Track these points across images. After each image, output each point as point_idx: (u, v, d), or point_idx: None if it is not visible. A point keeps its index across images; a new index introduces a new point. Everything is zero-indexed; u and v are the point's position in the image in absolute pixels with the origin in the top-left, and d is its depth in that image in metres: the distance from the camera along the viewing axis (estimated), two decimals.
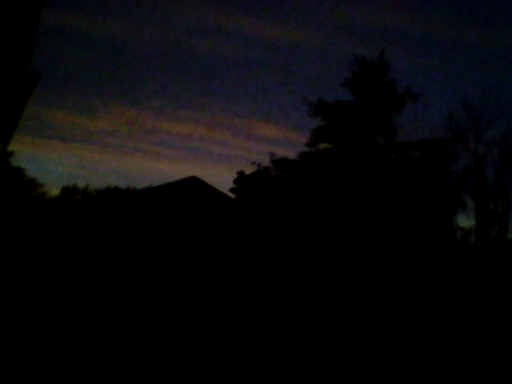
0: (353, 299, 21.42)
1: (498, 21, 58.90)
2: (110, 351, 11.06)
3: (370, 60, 36.07)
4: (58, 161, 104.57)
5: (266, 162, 38.58)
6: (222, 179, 79.31)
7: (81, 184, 72.88)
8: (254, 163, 39.25)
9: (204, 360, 11.00)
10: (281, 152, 46.35)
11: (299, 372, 10.69)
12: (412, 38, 59.56)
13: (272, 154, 38.06)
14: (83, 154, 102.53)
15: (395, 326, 17.42)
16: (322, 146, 37.05)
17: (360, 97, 36.16)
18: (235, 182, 42.04)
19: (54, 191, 68.82)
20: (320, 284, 22.30)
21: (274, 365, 11.06)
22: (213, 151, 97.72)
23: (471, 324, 19.27)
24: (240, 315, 16.91)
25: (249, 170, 40.60)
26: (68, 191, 68.87)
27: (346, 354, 12.63)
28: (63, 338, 11.76)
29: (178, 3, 61.63)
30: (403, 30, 58.98)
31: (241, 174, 41.93)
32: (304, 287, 21.48)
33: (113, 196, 45.21)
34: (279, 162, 37.94)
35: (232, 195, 38.43)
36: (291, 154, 38.29)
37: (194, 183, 22.83)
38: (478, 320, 20.07)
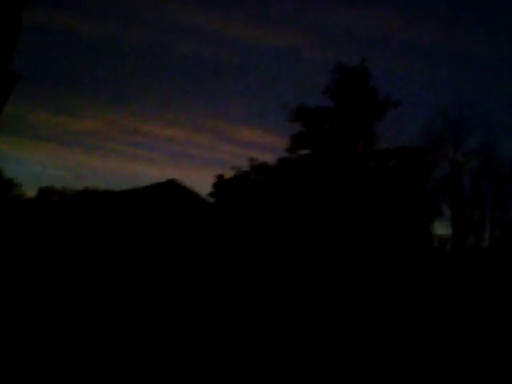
0: (330, 303, 21.43)
1: (479, 30, 59.77)
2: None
3: (351, 67, 36.24)
4: (36, 161, 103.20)
5: (246, 166, 38.53)
6: (202, 183, 79.42)
7: (59, 185, 71.84)
8: (233, 167, 39.21)
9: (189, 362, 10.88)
10: (262, 156, 46.26)
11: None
12: (393, 46, 60.12)
13: (252, 159, 38.01)
14: (62, 155, 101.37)
15: (370, 329, 17.45)
16: (302, 151, 37.11)
17: (340, 103, 36.27)
18: (214, 186, 41.88)
19: (31, 192, 67.96)
20: (297, 288, 22.28)
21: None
22: (193, 154, 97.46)
23: (445, 328, 19.41)
24: (219, 319, 16.80)
25: (229, 175, 40.49)
26: (45, 192, 68.05)
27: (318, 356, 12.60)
28: (41, 345, 11.54)
29: (162, 4, 61.49)
30: (384, 37, 59.50)
31: (220, 178, 41.79)
32: (282, 291, 21.44)
33: (89, 198, 44.73)
34: (259, 167, 37.88)
35: (211, 199, 38.30)
36: (272, 159, 38.11)
37: (172, 187, 22.63)
38: (452, 324, 20.24)
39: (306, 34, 61.34)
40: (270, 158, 38.96)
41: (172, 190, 22.55)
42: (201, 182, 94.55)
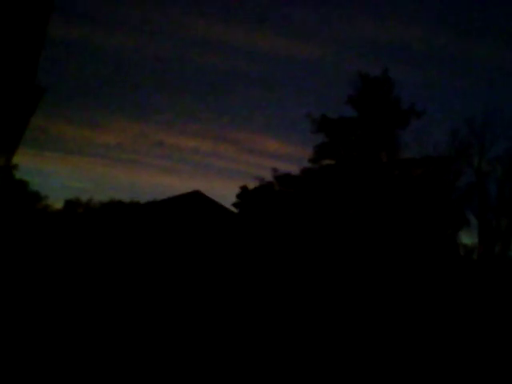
0: (356, 316, 21.32)
1: (502, 38, 59.13)
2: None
3: (374, 77, 36.15)
4: (62, 174, 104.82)
5: (269, 176, 38.66)
6: (226, 193, 79.48)
7: (85, 197, 72.76)
8: (257, 178, 39.40)
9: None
10: (285, 167, 46.10)
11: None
12: (416, 54, 59.78)
13: (275, 170, 38.16)
14: (88, 167, 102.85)
15: (398, 340, 17.33)
16: (325, 162, 37.08)
17: (364, 113, 36.16)
18: (238, 196, 42.09)
19: (58, 204, 68.87)
20: (323, 300, 22.21)
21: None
22: (217, 165, 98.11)
23: (471, 336, 19.19)
24: (240, 330, 16.83)
25: (252, 185, 40.68)
26: (71, 204, 68.94)
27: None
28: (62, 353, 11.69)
29: (185, 17, 62.19)
30: (407, 45, 59.25)
31: (244, 188, 41.99)
32: (306, 302, 21.40)
33: (116, 210, 45.22)
34: (282, 178, 37.98)
35: (235, 210, 38.44)
36: (296, 169, 38.19)
37: (196, 198, 22.80)
38: (477, 333, 20.00)
39: (327, 45, 61.48)
40: (293, 169, 39.07)
41: (196, 200, 22.71)
42: (225, 193, 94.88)
